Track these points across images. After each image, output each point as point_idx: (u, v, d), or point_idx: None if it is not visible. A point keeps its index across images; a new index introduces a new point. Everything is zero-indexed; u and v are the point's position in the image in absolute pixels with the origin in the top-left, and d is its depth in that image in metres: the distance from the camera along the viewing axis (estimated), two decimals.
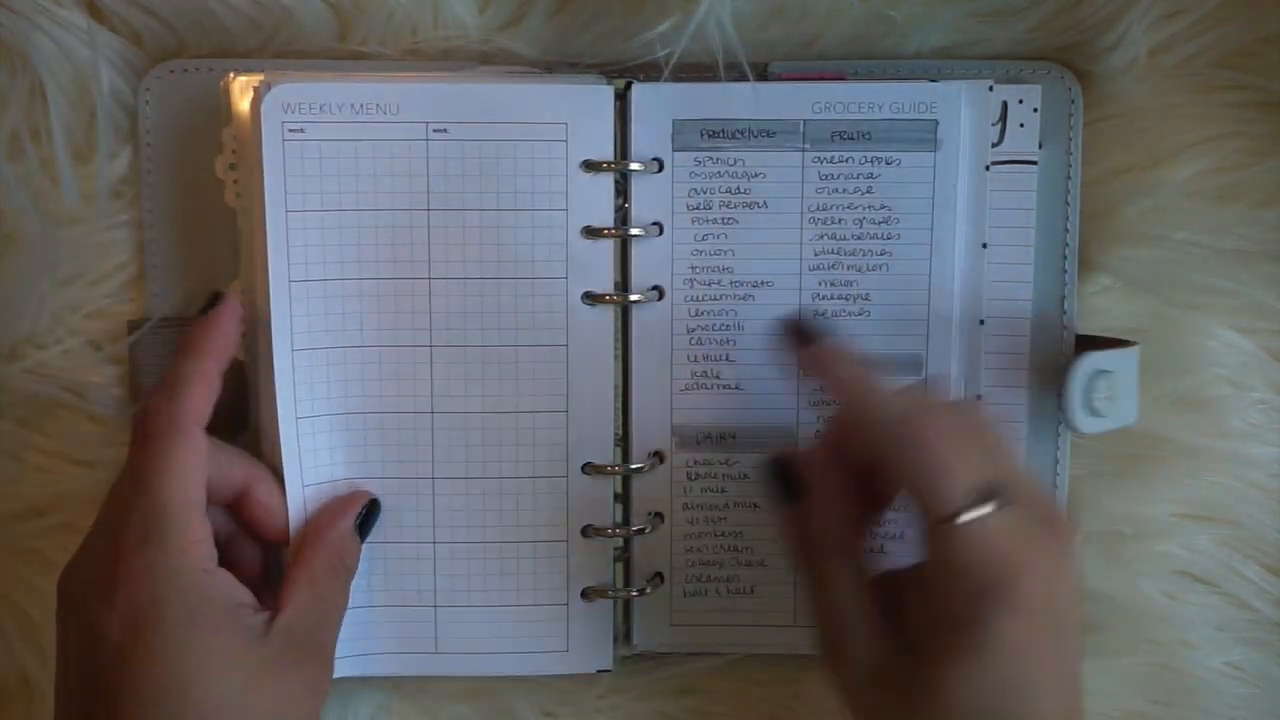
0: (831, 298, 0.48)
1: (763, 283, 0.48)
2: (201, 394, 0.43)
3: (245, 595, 0.42)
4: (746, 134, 0.48)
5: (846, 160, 0.48)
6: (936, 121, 0.47)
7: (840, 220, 0.48)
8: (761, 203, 0.48)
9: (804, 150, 0.48)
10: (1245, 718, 0.52)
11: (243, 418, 0.49)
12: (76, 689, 0.40)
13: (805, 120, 0.47)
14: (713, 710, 0.53)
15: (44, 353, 0.50)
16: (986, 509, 0.37)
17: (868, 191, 0.48)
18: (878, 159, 0.48)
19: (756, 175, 0.48)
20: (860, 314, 0.48)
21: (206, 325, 0.44)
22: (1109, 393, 0.47)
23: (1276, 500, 0.52)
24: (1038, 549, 0.38)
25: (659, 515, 0.49)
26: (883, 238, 0.48)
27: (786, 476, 0.44)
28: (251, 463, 0.46)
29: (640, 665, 0.52)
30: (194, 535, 0.41)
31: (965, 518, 0.37)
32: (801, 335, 0.47)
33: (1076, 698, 0.39)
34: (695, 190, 0.48)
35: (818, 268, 0.48)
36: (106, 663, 0.39)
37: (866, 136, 0.47)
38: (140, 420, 0.43)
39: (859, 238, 0.48)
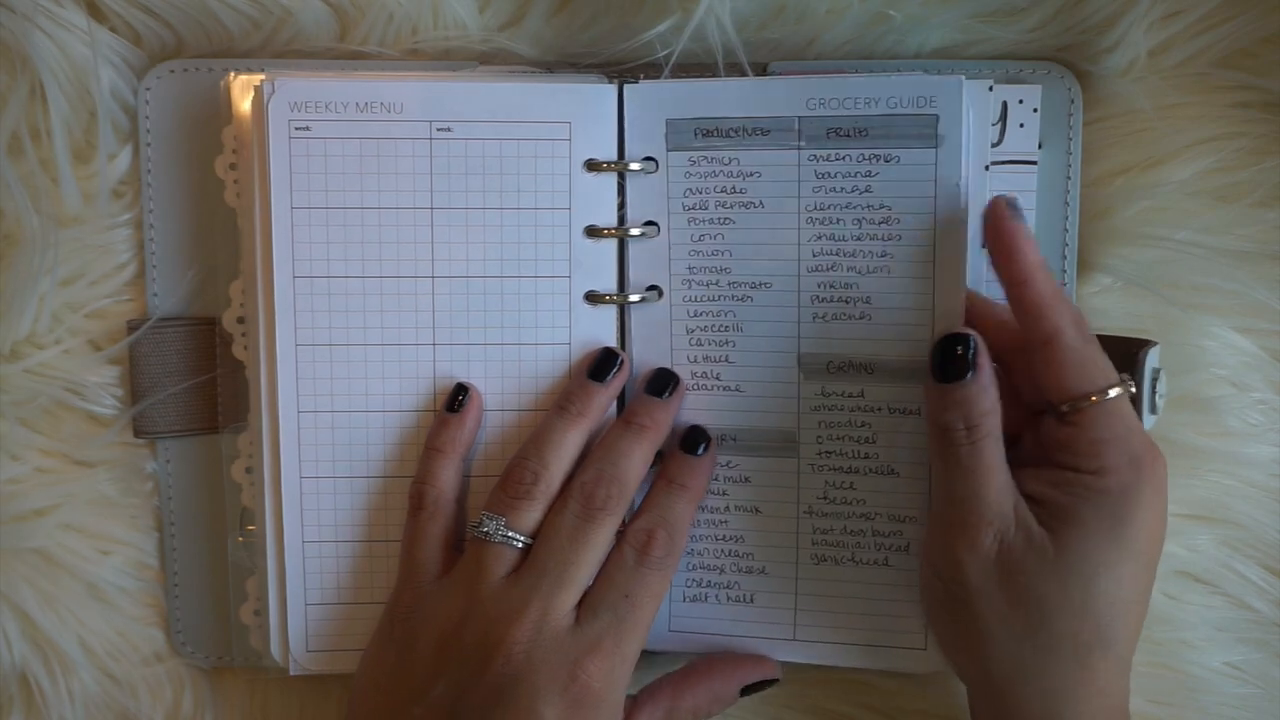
0: (831, 299, 0.48)
1: (761, 284, 0.48)
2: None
3: None
4: (741, 132, 0.47)
5: (843, 158, 0.47)
6: (937, 116, 0.46)
7: (839, 220, 0.48)
8: (758, 202, 0.48)
9: (799, 149, 0.47)
10: (1245, 718, 0.52)
11: (241, 415, 0.49)
12: None
13: (800, 117, 0.47)
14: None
15: (44, 353, 0.50)
16: (1130, 388, 0.42)
17: (866, 190, 0.47)
18: (876, 156, 0.47)
19: (752, 174, 0.48)
20: (861, 317, 0.48)
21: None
22: (1163, 390, 0.48)
23: (1276, 500, 0.52)
24: (1152, 446, 0.42)
25: None
26: (883, 238, 0.48)
27: (958, 352, 0.44)
28: None
29: (640, 665, 0.52)
30: None
31: (1116, 391, 0.41)
32: (1007, 211, 0.44)
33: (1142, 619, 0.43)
34: (691, 190, 0.48)
35: (816, 269, 0.48)
36: None
37: (864, 133, 0.47)
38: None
39: (858, 238, 0.48)
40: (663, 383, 0.47)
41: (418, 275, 0.47)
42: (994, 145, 0.49)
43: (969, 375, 0.43)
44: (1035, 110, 0.49)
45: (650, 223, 0.48)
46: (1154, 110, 0.50)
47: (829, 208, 0.47)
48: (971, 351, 0.43)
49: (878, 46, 0.50)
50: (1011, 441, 0.44)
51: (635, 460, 0.45)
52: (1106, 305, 0.51)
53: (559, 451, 0.45)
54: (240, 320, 0.49)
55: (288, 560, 0.48)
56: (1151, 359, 0.47)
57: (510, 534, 0.44)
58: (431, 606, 0.44)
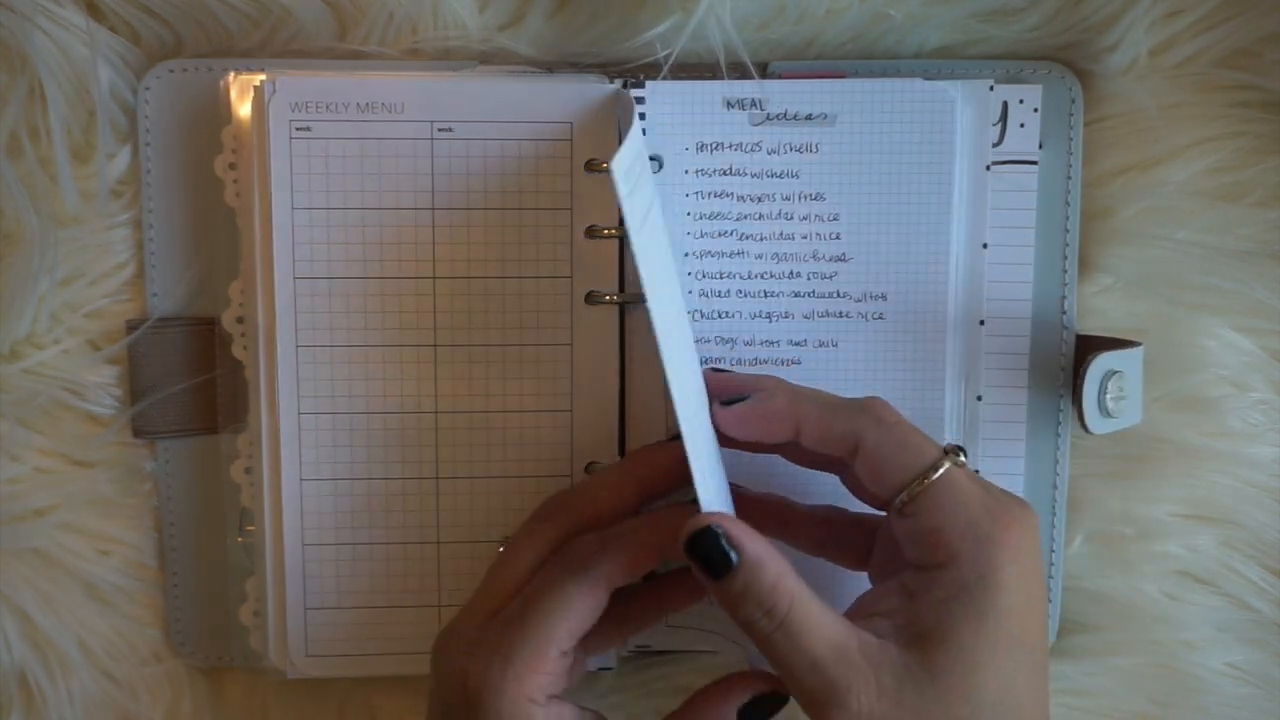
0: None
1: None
2: (626, 562, 0.41)
3: None
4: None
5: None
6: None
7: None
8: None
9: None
10: (1246, 718, 0.52)
11: (241, 415, 0.49)
12: None
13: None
14: None
15: (43, 353, 0.50)
16: (957, 459, 0.39)
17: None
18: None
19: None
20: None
21: (669, 507, 0.43)
22: (1120, 393, 0.47)
23: (1277, 500, 0.52)
24: (1012, 506, 0.39)
25: None
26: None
27: (714, 547, 0.38)
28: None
29: (641, 664, 0.52)
30: (541, 668, 0.40)
31: (944, 467, 0.39)
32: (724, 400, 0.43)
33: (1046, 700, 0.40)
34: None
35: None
36: None
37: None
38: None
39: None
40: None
41: (418, 275, 0.47)
42: (994, 145, 0.49)
43: (734, 563, 0.38)
44: (1036, 110, 0.49)
45: None
46: (1154, 110, 0.50)
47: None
48: (722, 539, 0.38)
49: (878, 46, 0.50)
50: (864, 555, 0.44)
51: None
52: (1106, 305, 0.51)
53: None
54: (240, 320, 0.48)
55: (287, 562, 0.48)
56: (1107, 362, 0.47)
57: None
58: None
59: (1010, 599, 0.37)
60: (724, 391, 0.43)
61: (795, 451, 0.43)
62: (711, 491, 0.39)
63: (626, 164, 0.38)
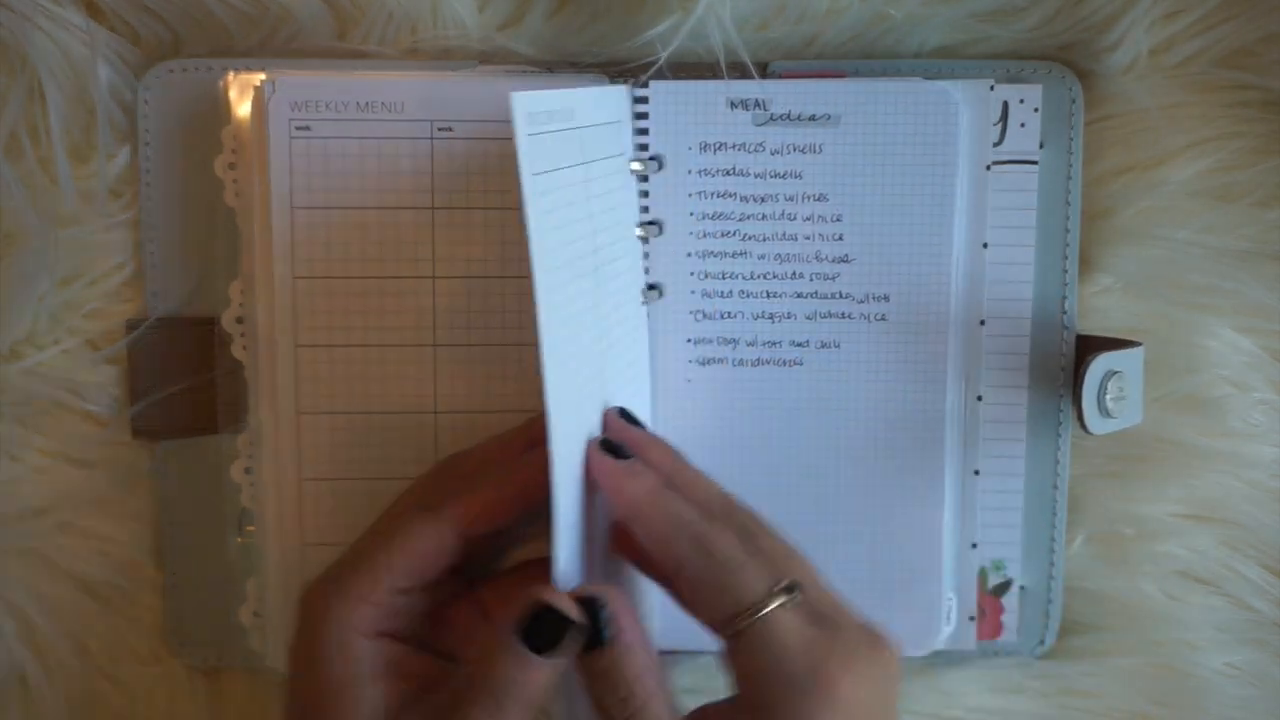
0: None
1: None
2: (479, 507, 0.40)
3: (408, 667, 0.39)
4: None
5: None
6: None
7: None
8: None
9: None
10: (1245, 718, 0.52)
11: (241, 415, 0.49)
12: None
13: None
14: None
15: (43, 353, 0.50)
16: (785, 599, 0.36)
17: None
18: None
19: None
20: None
21: (533, 457, 0.39)
22: (1120, 393, 0.47)
23: (1277, 500, 0.52)
24: (851, 650, 0.36)
25: None
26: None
27: (600, 617, 0.37)
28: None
29: None
30: (372, 598, 0.38)
31: (768, 608, 0.36)
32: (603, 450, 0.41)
33: None
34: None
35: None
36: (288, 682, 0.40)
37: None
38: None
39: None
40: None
41: (418, 275, 0.47)
42: (995, 145, 0.49)
43: (604, 641, 0.37)
44: (1036, 110, 0.49)
45: (653, 223, 0.48)
46: (1155, 110, 0.50)
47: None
48: (603, 613, 0.37)
49: (878, 46, 0.50)
50: None
51: None
52: (1107, 305, 0.51)
53: None
54: (240, 320, 0.48)
55: (287, 562, 0.48)
56: (1107, 363, 0.47)
57: None
58: None
59: None
60: (614, 434, 0.41)
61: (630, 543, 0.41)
62: (571, 529, 0.38)
63: (544, 108, 0.37)
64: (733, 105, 0.47)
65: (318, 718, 0.38)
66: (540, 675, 0.36)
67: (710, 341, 0.48)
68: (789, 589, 0.37)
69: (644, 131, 0.47)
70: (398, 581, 0.39)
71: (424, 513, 0.40)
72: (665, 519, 0.38)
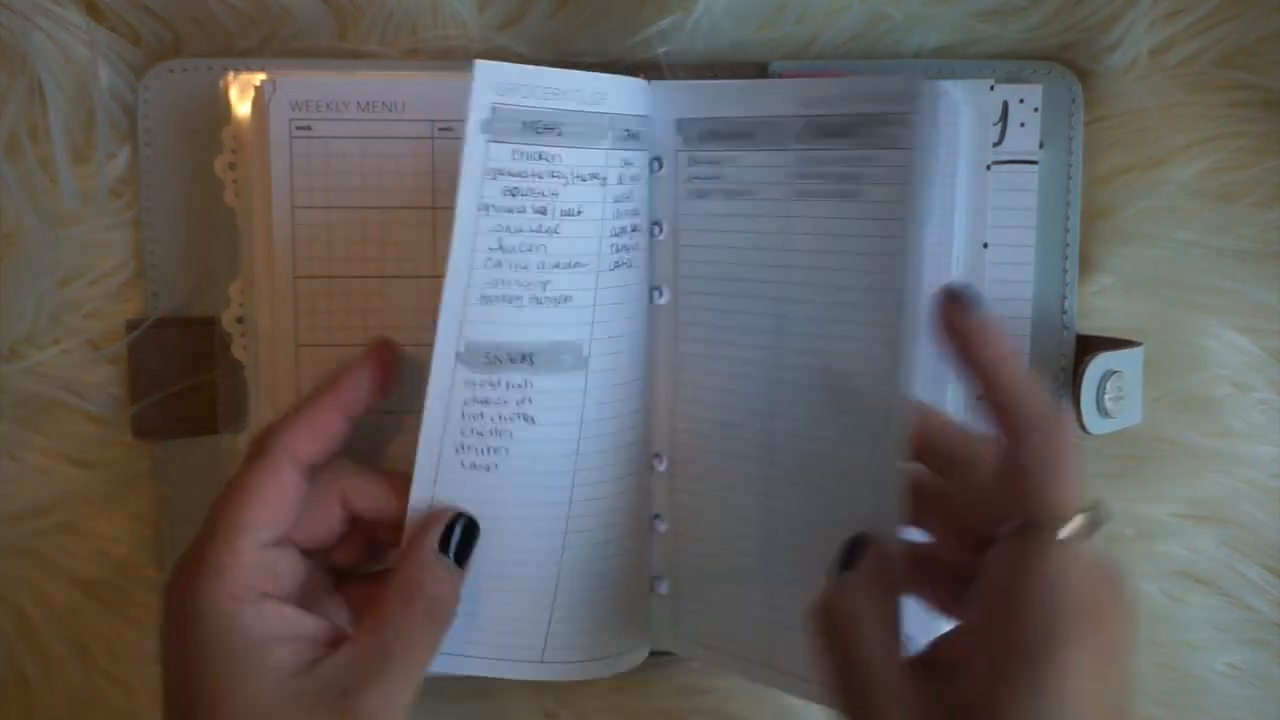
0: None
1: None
2: (304, 429, 0.41)
3: (300, 628, 0.39)
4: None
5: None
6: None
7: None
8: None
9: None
10: (1245, 718, 0.52)
11: (241, 415, 0.49)
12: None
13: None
14: (725, 710, 0.52)
15: (43, 353, 0.50)
16: (1086, 520, 0.35)
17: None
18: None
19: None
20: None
21: (342, 369, 0.43)
22: (1119, 393, 0.47)
23: (1277, 500, 0.52)
24: (1126, 598, 0.34)
25: (657, 517, 0.49)
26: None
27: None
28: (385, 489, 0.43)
29: (642, 664, 0.52)
30: (236, 560, 0.38)
31: (1069, 529, 0.34)
32: (960, 304, 0.40)
33: None
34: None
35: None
36: (163, 679, 0.39)
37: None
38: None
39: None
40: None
41: (418, 275, 0.47)
42: (995, 145, 0.49)
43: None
44: (1036, 110, 0.49)
45: (653, 223, 0.48)
46: (1155, 110, 0.50)
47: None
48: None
49: (878, 46, 0.50)
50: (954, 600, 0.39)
51: None
52: (1107, 305, 0.51)
53: None
54: (240, 320, 0.48)
55: None
56: (1106, 363, 0.47)
57: None
58: None
59: (1079, 683, 0.33)
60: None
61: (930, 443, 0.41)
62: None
63: (509, 82, 0.38)
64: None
65: (206, 696, 0.38)
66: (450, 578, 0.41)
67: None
68: (1096, 511, 0.35)
69: (656, 131, 0.47)
70: (260, 535, 0.39)
71: (255, 461, 0.40)
72: (1023, 380, 0.37)
